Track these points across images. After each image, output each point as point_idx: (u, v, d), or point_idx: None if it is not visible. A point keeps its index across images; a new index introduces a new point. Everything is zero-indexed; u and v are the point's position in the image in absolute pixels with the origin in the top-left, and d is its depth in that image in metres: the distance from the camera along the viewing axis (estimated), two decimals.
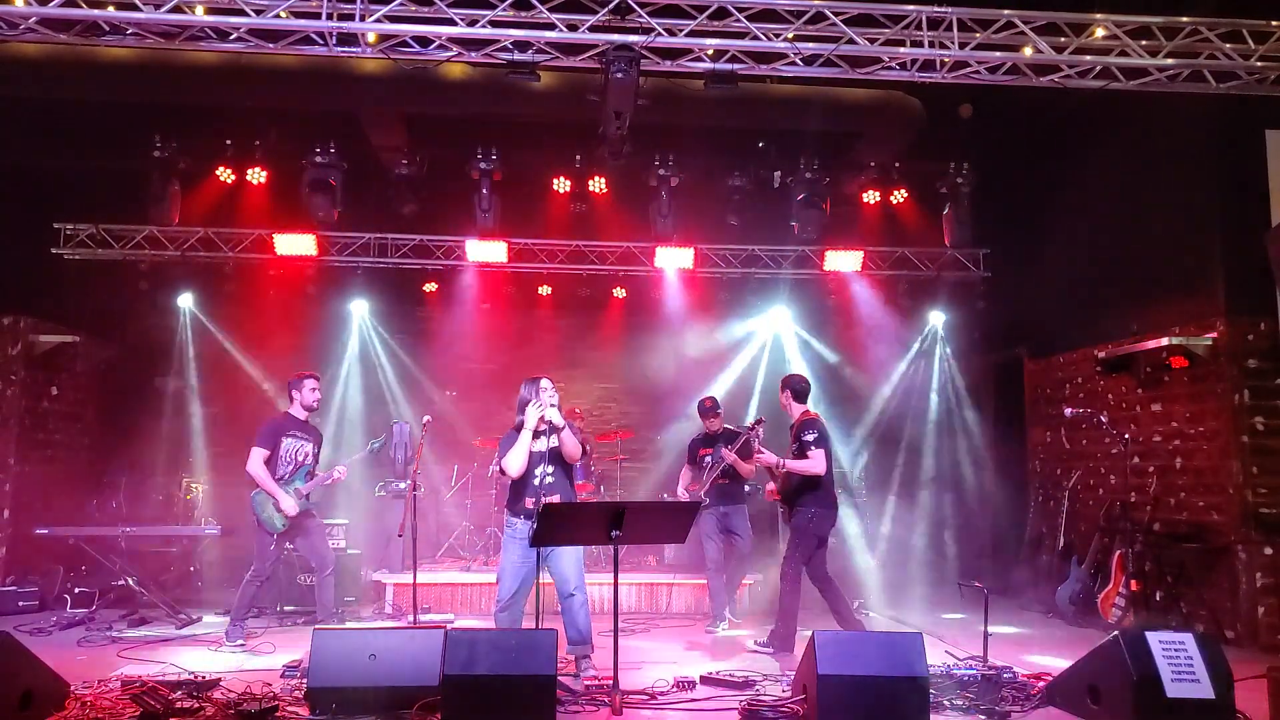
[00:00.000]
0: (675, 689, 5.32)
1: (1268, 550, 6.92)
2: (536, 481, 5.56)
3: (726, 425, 7.72)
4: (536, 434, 5.63)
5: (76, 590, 7.85)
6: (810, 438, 6.36)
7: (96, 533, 7.90)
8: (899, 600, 8.49)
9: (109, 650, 6.37)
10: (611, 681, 4.94)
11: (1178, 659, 4.60)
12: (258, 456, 6.61)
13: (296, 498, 6.62)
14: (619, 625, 5.10)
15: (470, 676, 4.38)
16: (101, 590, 7.85)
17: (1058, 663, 5.64)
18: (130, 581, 7.68)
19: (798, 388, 6.74)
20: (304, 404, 6.87)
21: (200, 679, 5.18)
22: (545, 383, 5.70)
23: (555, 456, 5.62)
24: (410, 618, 6.71)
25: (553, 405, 5.61)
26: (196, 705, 4.73)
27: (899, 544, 9.11)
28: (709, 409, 7.68)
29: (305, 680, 4.79)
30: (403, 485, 8.55)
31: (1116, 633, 4.86)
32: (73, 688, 4.94)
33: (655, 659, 6.26)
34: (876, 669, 4.47)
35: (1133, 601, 7.07)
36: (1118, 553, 7.39)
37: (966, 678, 5.21)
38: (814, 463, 6.33)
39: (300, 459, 6.78)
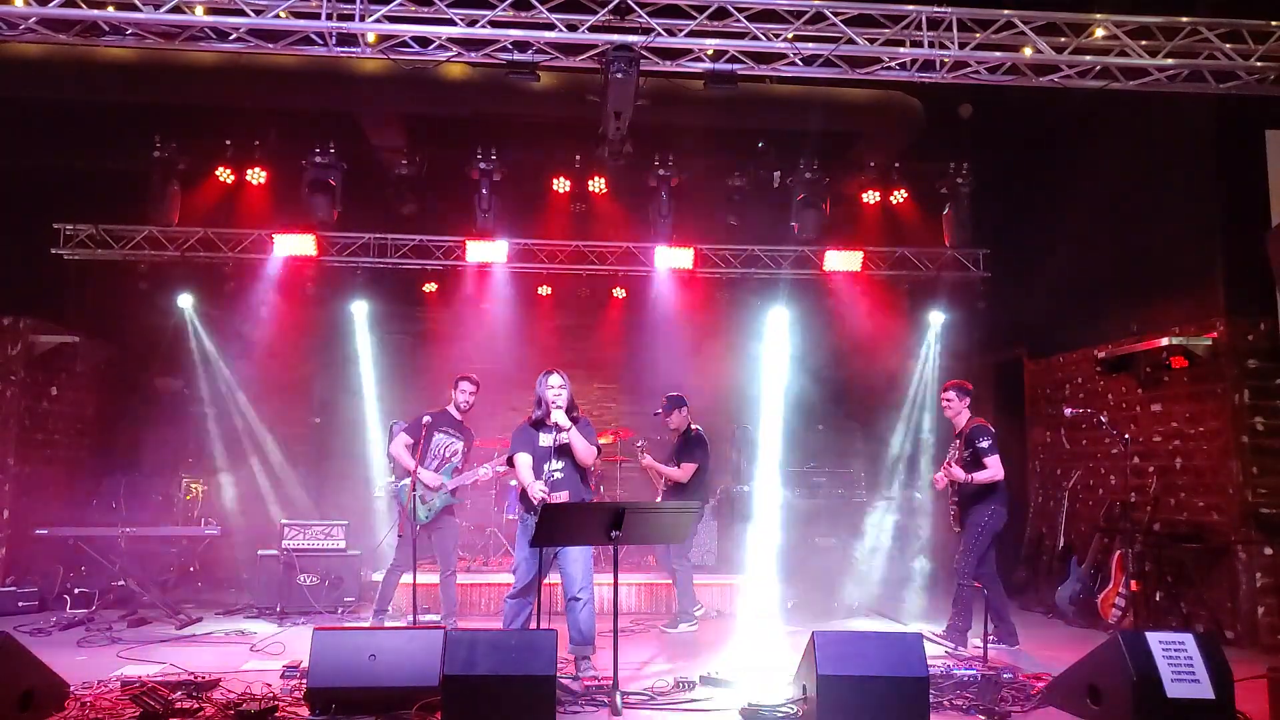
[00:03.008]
0: (675, 689, 5.32)
1: (1268, 550, 6.93)
2: (544, 477, 5.59)
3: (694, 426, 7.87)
4: (545, 429, 5.66)
5: (76, 590, 7.84)
6: (986, 444, 6.48)
7: (96, 533, 7.90)
8: (899, 600, 8.48)
9: (109, 650, 6.36)
10: (611, 681, 4.95)
11: (1178, 659, 4.60)
12: (400, 440, 6.79)
13: (440, 490, 6.74)
14: (619, 625, 5.11)
15: (470, 677, 4.38)
16: (101, 590, 7.84)
17: (1058, 663, 5.64)
18: (130, 582, 7.68)
19: (970, 392, 6.85)
20: (457, 404, 6.98)
21: (200, 679, 5.18)
22: (553, 379, 5.72)
23: (565, 452, 5.63)
24: (410, 618, 6.71)
25: (559, 406, 5.61)
26: (196, 705, 4.73)
27: (899, 544, 9.09)
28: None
29: (305, 680, 4.80)
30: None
31: (1116, 633, 4.86)
32: (73, 688, 4.93)
33: (655, 659, 6.26)
34: (876, 669, 4.47)
35: (1133, 602, 7.06)
36: (1117, 553, 7.39)
37: (966, 678, 5.22)
38: (994, 470, 6.45)
39: (448, 455, 6.88)
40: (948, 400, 6.83)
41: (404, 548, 6.91)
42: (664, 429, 8.18)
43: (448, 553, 6.96)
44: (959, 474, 6.44)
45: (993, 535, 6.52)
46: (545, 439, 5.74)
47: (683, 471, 7.56)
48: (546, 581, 5.61)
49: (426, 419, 6.88)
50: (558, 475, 5.65)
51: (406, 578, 7.33)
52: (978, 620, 6.41)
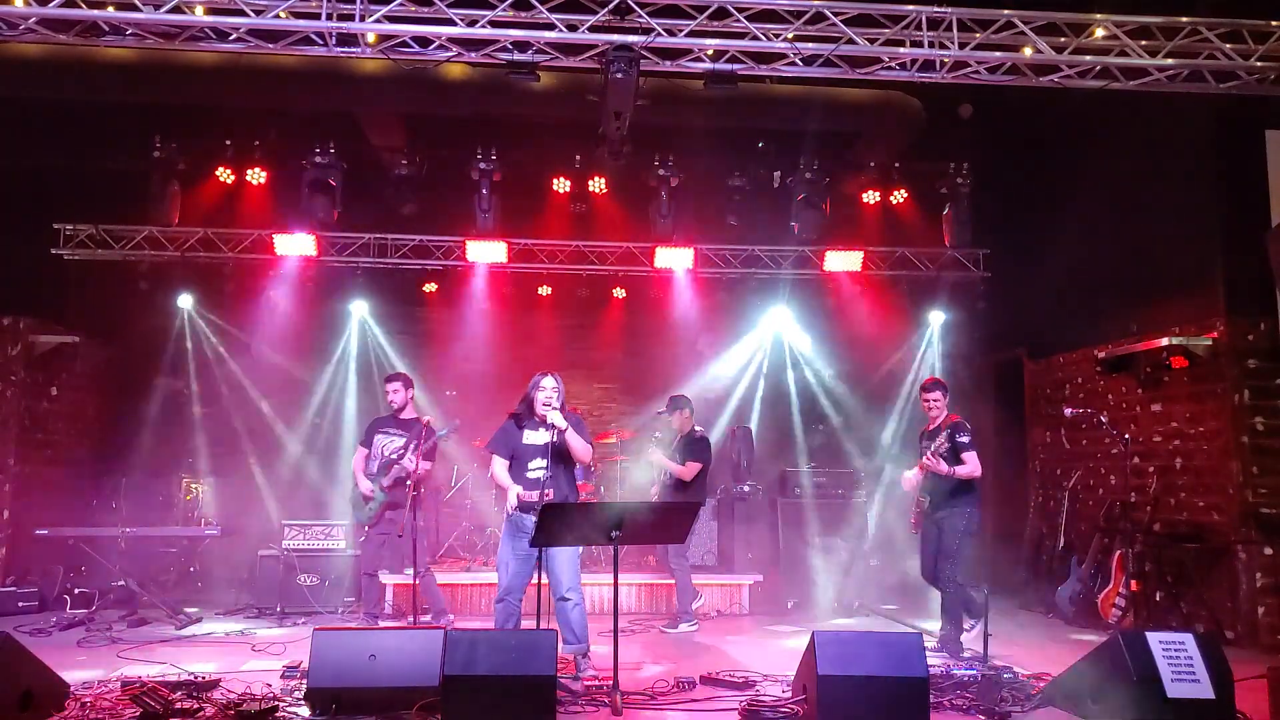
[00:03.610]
0: (675, 689, 5.32)
1: (1268, 550, 6.92)
2: (529, 476, 5.57)
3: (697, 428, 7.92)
4: (530, 426, 5.64)
5: (76, 591, 7.85)
6: (966, 438, 6.41)
7: (96, 533, 7.90)
8: (899, 600, 8.49)
9: (109, 651, 6.37)
10: (611, 681, 4.95)
11: (1178, 659, 4.61)
12: (357, 455, 7.28)
13: (379, 490, 6.98)
14: (619, 625, 5.10)
15: (470, 677, 4.38)
16: (101, 591, 7.84)
17: (1058, 663, 5.64)
18: (130, 582, 7.68)
19: (948, 389, 6.82)
20: (388, 403, 7.30)
21: (200, 679, 5.19)
22: (547, 382, 5.66)
23: (551, 453, 5.59)
24: (410, 618, 6.71)
25: (555, 408, 5.59)
26: (196, 706, 4.73)
27: (899, 544, 9.10)
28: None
29: (305, 680, 4.80)
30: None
31: (1116, 633, 4.87)
32: (73, 688, 4.94)
33: (655, 659, 6.26)
34: (876, 669, 4.47)
35: (1133, 601, 7.07)
36: (1118, 553, 7.39)
37: (966, 678, 5.22)
38: (974, 465, 6.39)
39: (386, 454, 7.03)
40: (935, 400, 6.71)
41: (367, 550, 7.12)
42: (666, 429, 8.19)
43: (403, 552, 6.96)
44: (943, 467, 6.33)
45: (969, 538, 6.48)
46: (531, 436, 5.64)
47: (688, 469, 7.58)
48: (534, 581, 5.56)
49: (369, 425, 7.30)
50: (542, 475, 5.52)
51: (385, 577, 7.59)
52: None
